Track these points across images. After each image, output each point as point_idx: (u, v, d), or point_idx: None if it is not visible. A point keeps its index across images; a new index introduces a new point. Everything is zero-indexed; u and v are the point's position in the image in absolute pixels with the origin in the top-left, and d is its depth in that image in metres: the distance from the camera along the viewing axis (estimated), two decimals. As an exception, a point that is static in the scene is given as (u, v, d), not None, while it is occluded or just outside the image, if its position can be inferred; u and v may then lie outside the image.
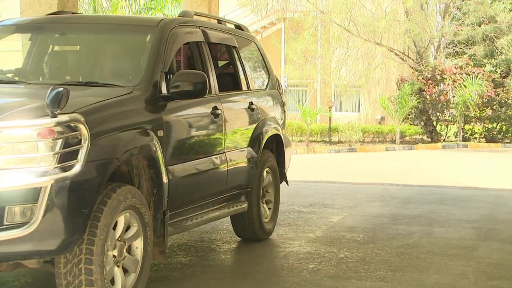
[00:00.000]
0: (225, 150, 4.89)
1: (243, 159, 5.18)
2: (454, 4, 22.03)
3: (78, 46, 4.95)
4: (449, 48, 22.26)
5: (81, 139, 3.27)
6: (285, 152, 6.00)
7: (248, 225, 5.52)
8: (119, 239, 3.64)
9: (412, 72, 21.61)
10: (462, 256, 5.26)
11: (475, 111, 20.11)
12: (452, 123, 21.19)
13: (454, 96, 19.99)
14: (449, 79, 20.21)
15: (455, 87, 20.02)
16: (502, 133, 20.82)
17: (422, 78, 20.46)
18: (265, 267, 4.88)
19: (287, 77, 24.12)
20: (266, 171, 5.68)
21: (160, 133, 3.97)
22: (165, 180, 3.98)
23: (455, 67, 20.92)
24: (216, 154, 4.77)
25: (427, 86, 20.17)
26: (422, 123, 20.76)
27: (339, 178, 11.03)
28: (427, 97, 20.09)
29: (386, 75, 23.14)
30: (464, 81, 19.89)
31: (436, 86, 20.21)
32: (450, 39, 21.83)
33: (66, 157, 3.21)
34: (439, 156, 16.70)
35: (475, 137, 21.02)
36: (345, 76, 22.77)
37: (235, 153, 5.04)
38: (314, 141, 20.64)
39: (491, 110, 20.42)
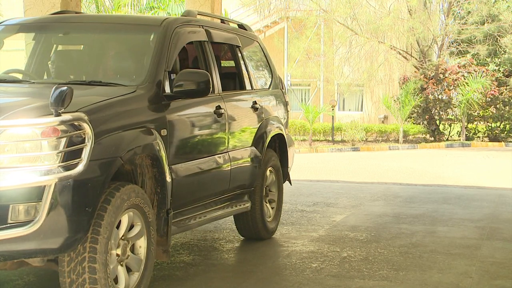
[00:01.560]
0: (228, 150, 4.90)
1: (247, 159, 5.19)
2: (458, 3, 22.00)
3: (82, 46, 4.95)
4: (452, 47, 22.24)
5: (84, 138, 3.27)
6: (288, 151, 6.00)
7: (251, 224, 5.52)
8: (123, 238, 3.65)
9: (415, 71, 21.60)
10: (465, 255, 5.25)
11: (479, 110, 20.09)
12: (455, 122, 21.17)
13: (457, 95, 19.97)
14: (450, 78, 20.20)
15: (458, 85, 20.00)
16: (505, 132, 20.78)
17: (424, 77, 20.44)
18: (268, 266, 4.89)
19: (290, 75, 24.12)
20: (269, 170, 5.68)
21: (164, 132, 3.97)
22: (168, 179, 3.98)
23: (458, 66, 20.91)
24: (219, 154, 4.77)
25: (428, 86, 20.15)
26: (425, 122, 20.75)
27: (342, 177, 11.02)
28: (430, 96, 20.07)
29: (389, 74, 23.14)
30: (465, 79, 19.86)
31: (439, 85, 20.19)
32: (454, 38, 21.81)
33: (70, 155, 3.22)
34: (442, 155, 16.68)
35: (478, 136, 20.99)
36: (348, 74, 22.77)
37: (238, 152, 5.04)
38: (317, 140, 20.65)
39: (494, 109, 20.39)
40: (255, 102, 5.40)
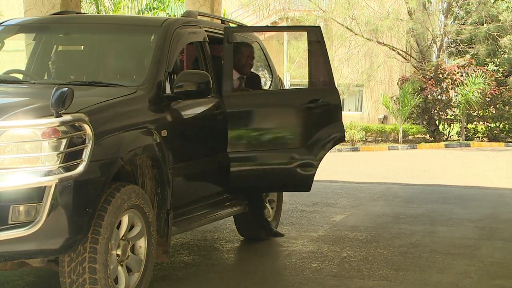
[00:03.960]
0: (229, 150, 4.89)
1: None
2: (457, 3, 22.01)
3: (82, 46, 4.96)
4: (452, 47, 22.25)
5: (85, 139, 3.27)
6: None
7: (251, 224, 5.52)
8: (123, 238, 3.66)
9: (414, 71, 21.61)
10: (465, 255, 5.26)
11: (478, 110, 20.09)
12: (454, 122, 21.18)
13: (457, 95, 19.99)
14: (449, 78, 20.21)
15: (457, 85, 20.01)
16: (505, 132, 20.79)
17: (423, 77, 20.45)
18: (268, 266, 4.89)
19: (289, 76, 24.14)
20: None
21: (164, 133, 3.98)
22: (168, 179, 3.99)
23: (457, 66, 20.91)
24: (219, 154, 4.77)
25: (427, 86, 20.14)
26: (424, 122, 20.76)
27: (341, 177, 11.03)
28: (429, 96, 20.09)
29: (388, 74, 23.13)
30: (465, 79, 19.87)
31: (438, 85, 20.20)
32: (453, 38, 21.82)
33: (70, 156, 3.22)
34: (442, 155, 16.69)
35: (477, 136, 21.00)
36: (347, 75, 22.78)
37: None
38: (317, 140, 20.61)
39: (494, 109, 20.40)
40: (313, 101, 4.94)
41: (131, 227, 3.73)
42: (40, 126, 3.20)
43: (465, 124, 20.55)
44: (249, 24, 18.91)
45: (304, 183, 5.00)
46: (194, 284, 4.37)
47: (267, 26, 20.95)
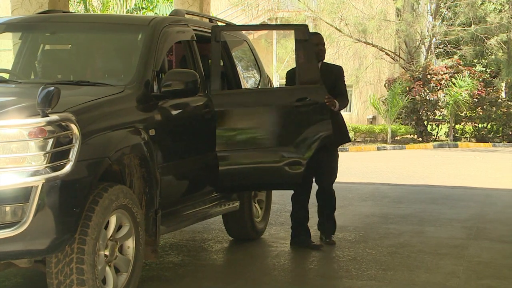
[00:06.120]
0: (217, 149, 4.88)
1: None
2: (445, 5, 22.14)
3: (69, 45, 4.93)
4: (439, 48, 22.37)
5: (72, 139, 3.25)
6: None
7: (239, 224, 5.52)
8: (111, 238, 3.63)
9: (403, 72, 21.70)
10: (453, 255, 5.28)
11: (466, 110, 20.21)
12: (442, 123, 21.29)
13: (445, 95, 20.09)
14: (436, 79, 20.32)
15: (446, 86, 20.12)
16: (492, 133, 20.92)
17: (411, 78, 20.54)
18: (257, 267, 4.88)
19: (279, 76, 24.15)
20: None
21: (152, 132, 3.95)
22: (156, 179, 3.97)
23: (445, 67, 21.03)
24: (208, 153, 4.75)
25: (414, 87, 20.24)
26: (413, 122, 20.85)
27: (330, 178, 11.04)
28: (417, 96, 20.18)
29: (377, 75, 23.20)
30: (452, 80, 19.98)
31: (426, 86, 20.30)
32: (441, 39, 21.93)
33: (57, 156, 3.20)
34: (430, 155, 16.77)
35: (465, 137, 21.13)
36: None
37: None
38: (306, 140, 20.61)
39: (482, 110, 20.52)
40: (301, 99, 4.91)
41: (119, 227, 3.71)
42: (27, 126, 3.17)
43: (453, 124, 20.66)
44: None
45: (292, 181, 5.01)
46: (183, 284, 4.35)
47: (255, 25, 21.02)
